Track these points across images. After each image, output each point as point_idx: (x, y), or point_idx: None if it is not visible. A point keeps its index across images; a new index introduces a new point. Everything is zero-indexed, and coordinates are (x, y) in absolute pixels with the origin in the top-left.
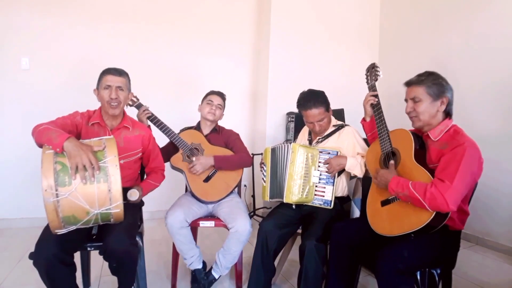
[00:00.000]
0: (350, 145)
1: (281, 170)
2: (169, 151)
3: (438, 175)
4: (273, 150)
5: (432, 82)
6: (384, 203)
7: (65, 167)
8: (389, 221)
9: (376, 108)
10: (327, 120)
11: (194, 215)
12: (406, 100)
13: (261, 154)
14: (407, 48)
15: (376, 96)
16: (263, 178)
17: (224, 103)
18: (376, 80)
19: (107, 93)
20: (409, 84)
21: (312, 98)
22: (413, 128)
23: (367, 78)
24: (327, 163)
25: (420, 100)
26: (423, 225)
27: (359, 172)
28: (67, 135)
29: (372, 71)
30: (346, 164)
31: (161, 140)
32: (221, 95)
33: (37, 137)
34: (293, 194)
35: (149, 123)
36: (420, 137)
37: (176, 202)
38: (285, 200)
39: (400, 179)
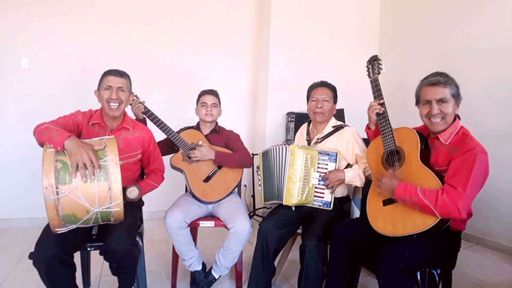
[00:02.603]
0: (350, 145)
1: (278, 173)
2: (167, 146)
3: (448, 181)
4: (265, 154)
5: (454, 84)
6: (386, 202)
7: (65, 165)
8: (392, 222)
9: (380, 104)
10: (329, 107)
11: (193, 215)
12: (425, 102)
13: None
14: (407, 48)
15: (383, 104)
16: (258, 183)
17: (219, 99)
18: (379, 73)
19: (108, 94)
20: (434, 84)
21: (324, 82)
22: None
23: (368, 71)
24: (325, 178)
25: (447, 101)
26: (428, 228)
27: (359, 182)
28: (68, 133)
29: (374, 64)
30: (345, 178)
31: (160, 137)
32: (213, 93)
33: (39, 136)
34: (292, 197)
35: (148, 121)
36: (425, 136)
37: (175, 202)
38: (284, 203)
39: (408, 184)
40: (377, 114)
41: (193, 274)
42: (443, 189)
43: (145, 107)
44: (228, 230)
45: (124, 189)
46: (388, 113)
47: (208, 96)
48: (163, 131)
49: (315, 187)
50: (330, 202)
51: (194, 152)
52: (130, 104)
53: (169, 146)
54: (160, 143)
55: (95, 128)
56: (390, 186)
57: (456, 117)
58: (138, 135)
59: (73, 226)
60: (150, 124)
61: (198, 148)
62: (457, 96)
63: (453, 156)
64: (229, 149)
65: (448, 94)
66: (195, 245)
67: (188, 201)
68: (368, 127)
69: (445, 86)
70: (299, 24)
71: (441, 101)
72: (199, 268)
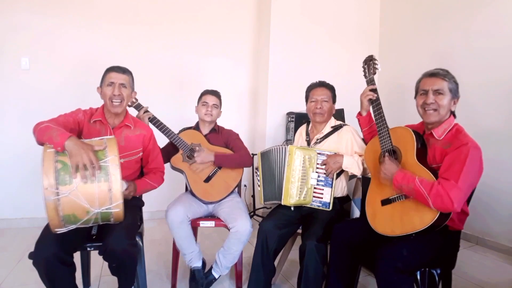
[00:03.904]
0: (349, 144)
1: (277, 173)
2: (169, 151)
3: (442, 174)
4: (263, 154)
5: (453, 80)
6: (385, 202)
7: (66, 166)
8: (391, 221)
9: (375, 103)
10: (329, 107)
11: (195, 212)
12: (422, 92)
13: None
14: (407, 48)
15: (375, 91)
16: (257, 183)
17: (220, 101)
18: (375, 73)
19: (110, 90)
20: (433, 75)
21: (322, 82)
22: (410, 125)
23: (364, 71)
24: (324, 164)
25: (443, 93)
26: (426, 227)
27: (356, 170)
28: (68, 134)
29: (370, 64)
30: (343, 162)
31: (162, 140)
32: (216, 94)
33: (38, 136)
34: (290, 197)
35: (150, 124)
36: (421, 135)
37: (177, 198)
38: (283, 203)
39: (407, 172)
40: (370, 101)
41: (193, 272)
42: (438, 181)
43: (154, 117)
44: (229, 230)
45: None
46: (387, 112)
47: (210, 96)
48: (162, 132)
49: (314, 188)
50: (329, 203)
51: (196, 165)
52: (129, 105)
53: (172, 150)
54: (163, 149)
55: (96, 125)
56: (390, 170)
57: (452, 114)
58: (139, 133)
59: (73, 226)
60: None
61: (197, 154)
62: (455, 92)
63: (447, 152)
64: (229, 148)
65: (446, 87)
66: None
67: (189, 198)
68: (359, 114)
69: (444, 79)
70: (299, 24)
71: (437, 92)
72: (199, 264)
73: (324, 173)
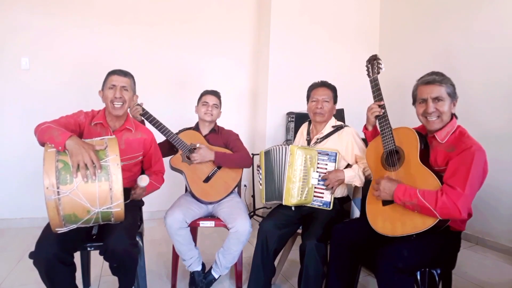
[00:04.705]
0: (349, 146)
1: (278, 173)
2: (166, 149)
3: (447, 181)
4: (267, 153)
5: (450, 83)
6: (386, 202)
7: (66, 165)
8: (392, 222)
9: (382, 117)
10: (329, 107)
11: (194, 215)
12: (421, 100)
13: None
14: (408, 48)
15: (382, 106)
16: (259, 181)
17: (220, 101)
18: (379, 73)
19: (112, 93)
20: (430, 82)
21: (324, 82)
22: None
23: (368, 70)
24: (325, 179)
25: (443, 100)
26: (428, 228)
27: (358, 183)
28: (69, 133)
29: (373, 63)
30: (345, 177)
31: (159, 139)
32: (216, 94)
33: (40, 136)
34: (292, 197)
35: (147, 122)
36: (424, 136)
37: (175, 202)
38: (284, 203)
39: (407, 187)
40: (377, 117)
41: (193, 274)
42: (442, 189)
43: (143, 109)
44: (229, 230)
45: (124, 192)
46: (388, 113)
47: (211, 96)
48: (161, 133)
49: (315, 187)
50: (330, 202)
51: (193, 156)
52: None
53: (169, 148)
54: (160, 144)
55: (97, 128)
56: (389, 189)
57: (453, 116)
58: (140, 137)
59: (74, 226)
60: (148, 126)
61: (197, 150)
62: (453, 95)
63: (451, 156)
64: (228, 149)
65: (444, 92)
66: (195, 245)
67: (188, 201)
68: (365, 128)
69: (441, 85)
70: (299, 24)
71: (437, 99)
72: (199, 268)
73: (324, 175)
